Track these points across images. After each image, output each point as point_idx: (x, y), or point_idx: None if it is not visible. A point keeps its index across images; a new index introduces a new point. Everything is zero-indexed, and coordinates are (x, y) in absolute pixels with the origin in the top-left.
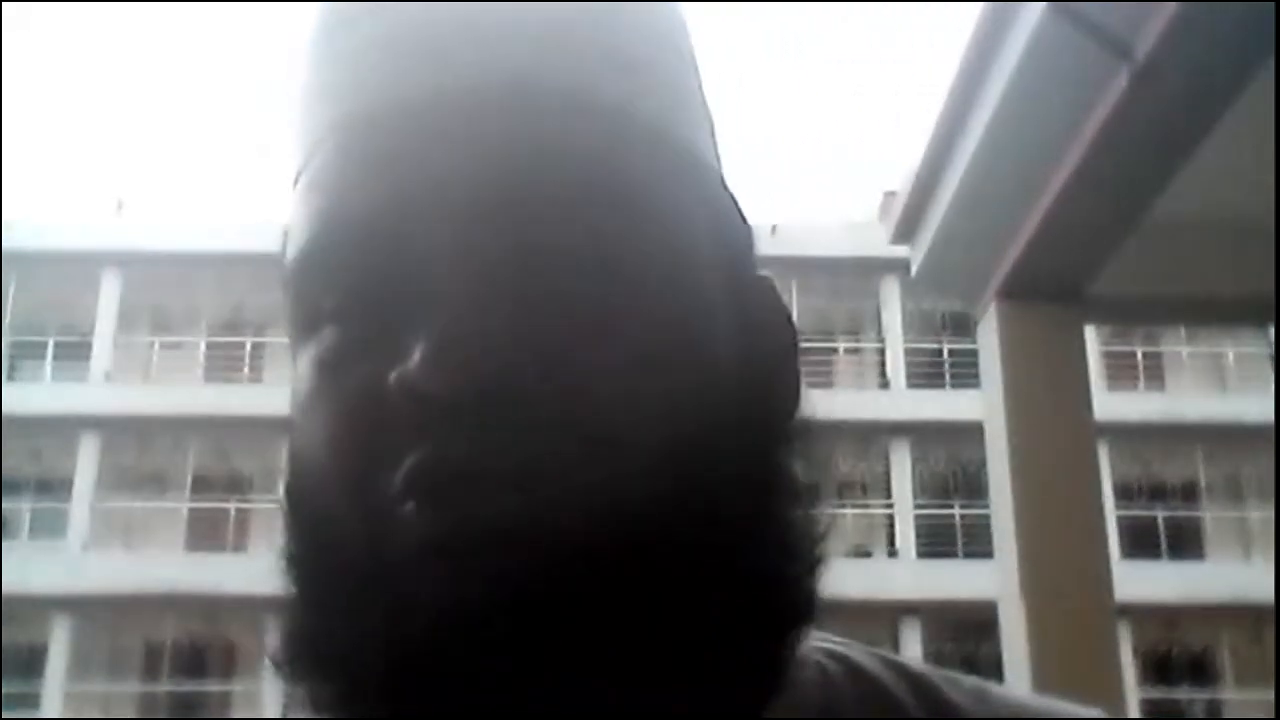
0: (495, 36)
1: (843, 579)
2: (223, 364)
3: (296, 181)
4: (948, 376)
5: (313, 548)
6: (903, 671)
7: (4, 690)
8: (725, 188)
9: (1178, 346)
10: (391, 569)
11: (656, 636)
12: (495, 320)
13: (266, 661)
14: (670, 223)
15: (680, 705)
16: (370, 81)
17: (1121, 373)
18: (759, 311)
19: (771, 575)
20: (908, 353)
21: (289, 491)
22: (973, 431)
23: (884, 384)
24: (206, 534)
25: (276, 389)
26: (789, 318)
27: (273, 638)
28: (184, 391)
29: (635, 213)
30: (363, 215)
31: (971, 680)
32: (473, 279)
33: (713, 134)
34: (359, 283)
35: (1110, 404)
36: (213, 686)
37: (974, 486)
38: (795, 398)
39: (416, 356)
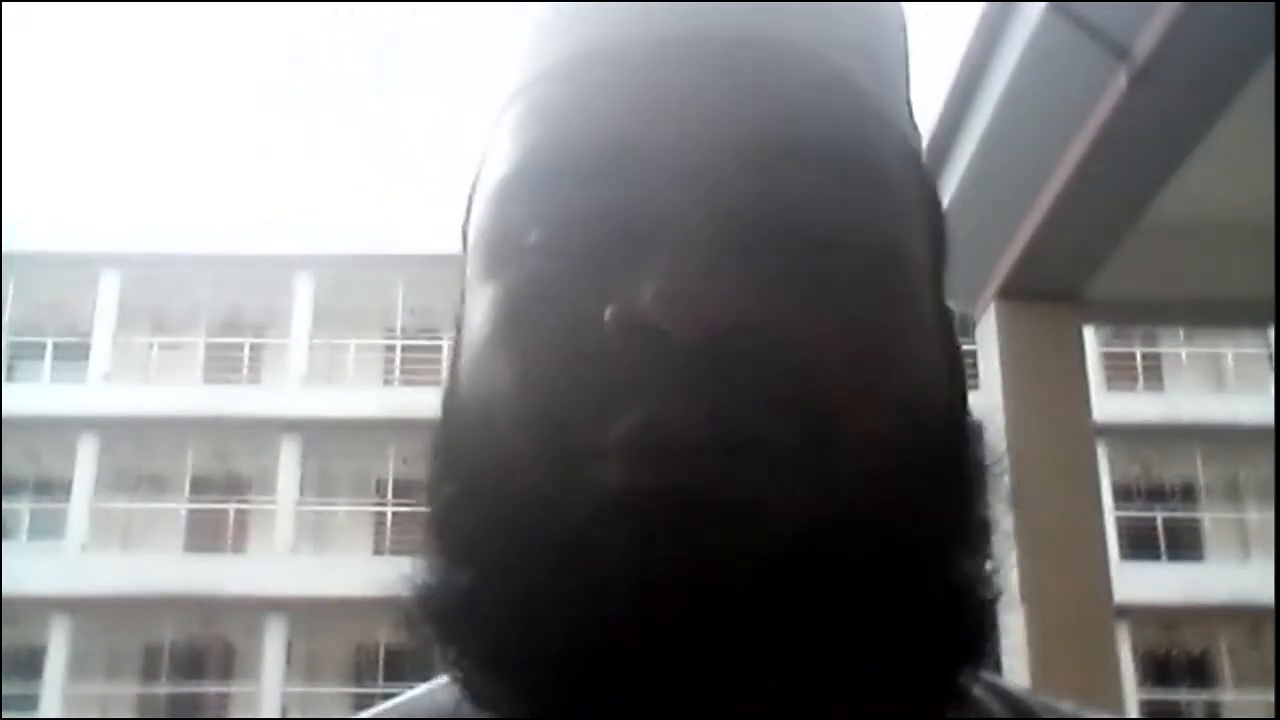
0: None
1: None
2: (222, 365)
3: (504, 111)
4: None
5: (483, 494)
6: (997, 689)
7: (3, 690)
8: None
9: (1177, 347)
10: (579, 530)
11: (842, 643)
12: (736, 270)
13: (267, 663)
14: (907, 218)
15: (858, 710)
16: (608, 18)
17: (1120, 373)
18: (952, 324)
19: (962, 602)
20: None
21: (449, 437)
22: None
23: None
24: (206, 535)
25: (276, 389)
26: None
27: (410, 590)
28: (183, 392)
29: (881, 197)
30: (595, 143)
31: (1068, 705)
32: (713, 224)
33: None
34: (580, 211)
35: (1109, 404)
36: (211, 687)
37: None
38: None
39: (648, 293)
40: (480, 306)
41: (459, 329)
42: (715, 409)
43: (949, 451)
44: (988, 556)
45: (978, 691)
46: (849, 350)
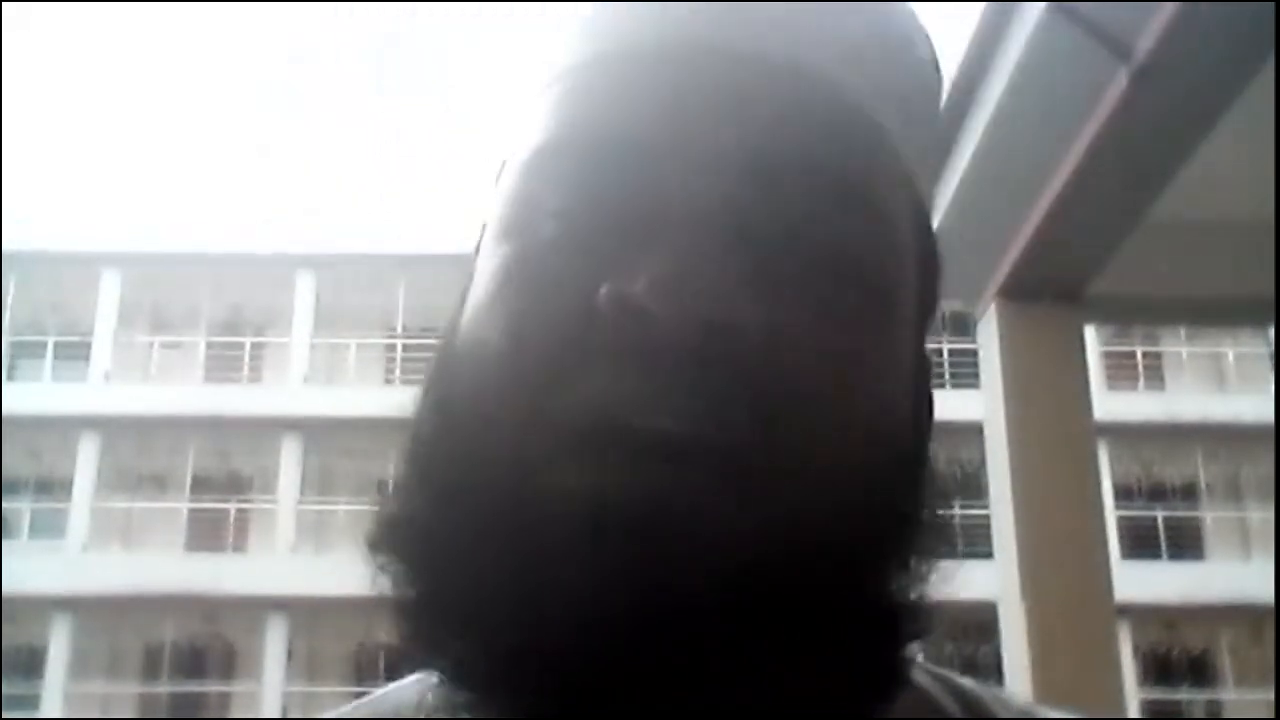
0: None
1: None
2: (222, 364)
3: (542, 93)
4: (947, 376)
5: (453, 461)
6: (951, 686)
7: (4, 690)
8: (927, 211)
9: (1178, 346)
10: (538, 525)
11: (793, 645)
12: (731, 270)
13: (267, 662)
14: (901, 256)
15: (802, 708)
16: (643, 21)
17: (1121, 373)
18: (928, 368)
19: (906, 595)
20: None
21: (433, 401)
22: (972, 431)
23: None
24: (206, 534)
25: (277, 389)
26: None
27: (384, 573)
28: (184, 391)
29: (881, 224)
30: (617, 132)
31: (1021, 701)
32: (714, 224)
33: (934, 147)
34: (596, 190)
35: (1110, 404)
36: (212, 687)
37: (973, 487)
38: (932, 420)
39: (644, 277)
40: (488, 266)
41: (464, 293)
42: (692, 401)
43: (907, 491)
44: (925, 551)
45: (932, 689)
46: (829, 371)
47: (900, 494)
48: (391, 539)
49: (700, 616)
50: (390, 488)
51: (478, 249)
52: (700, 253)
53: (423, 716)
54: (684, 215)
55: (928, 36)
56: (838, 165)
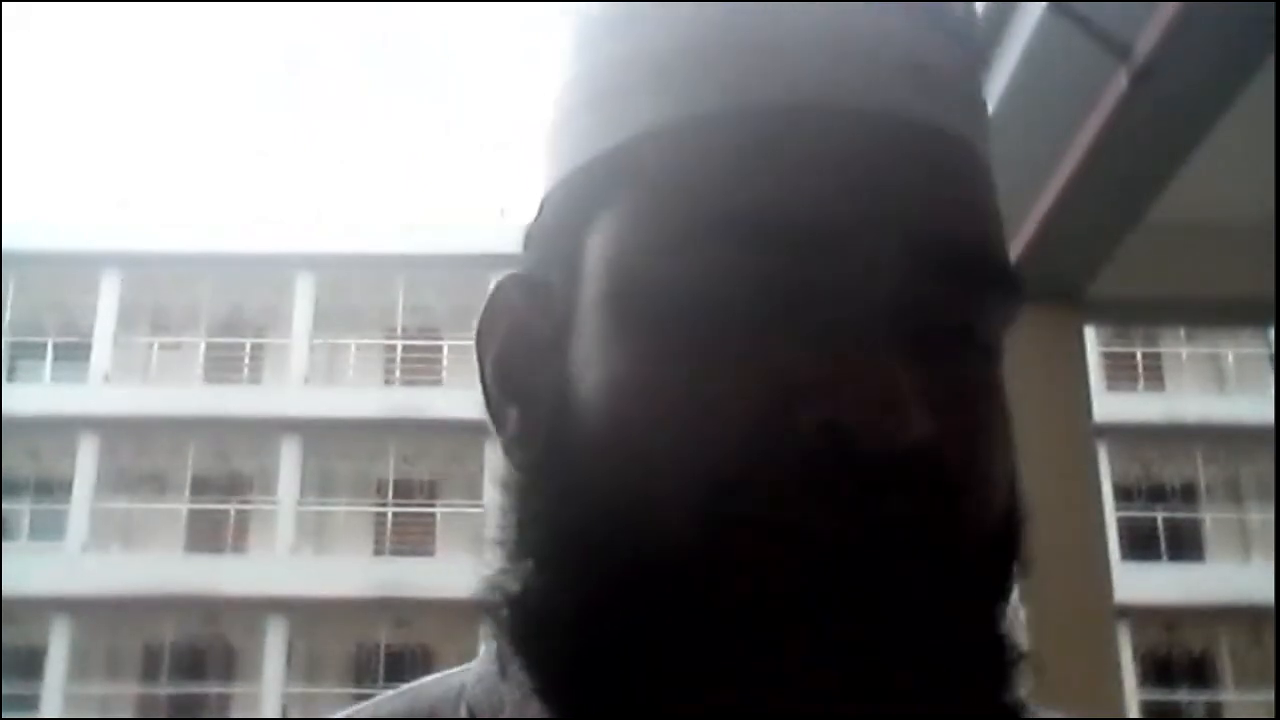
0: (867, 55)
1: None
2: (222, 365)
3: (640, 142)
4: None
5: (605, 533)
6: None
7: (4, 690)
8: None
9: (1177, 347)
10: (714, 615)
11: (932, 686)
12: (920, 381)
13: (268, 663)
14: (1013, 300)
15: None
16: (743, 74)
17: (1121, 373)
18: None
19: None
20: None
21: (553, 458)
22: None
23: None
24: (206, 535)
25: (276, 389)
26: None
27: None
28: (184, 392)
29: (1007, 301)
30: (794, 205)
31: (1055, 714)
32: (898, 324)
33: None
34: (767, 274)
35: (1110, 404)
36: (212, 688)
37: None
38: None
39: (848, 398)
40: (624, 344)
41: (528, 332)
42: (892, 517)
43: (1016, 534)
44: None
45: None
46: (994, 463)
47: (1018, 545)
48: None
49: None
50: (505, 568)
51: (526, 295)
52: (893, 363)
53: (463, 714)
54: (864, 312)
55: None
56: (994, 245)
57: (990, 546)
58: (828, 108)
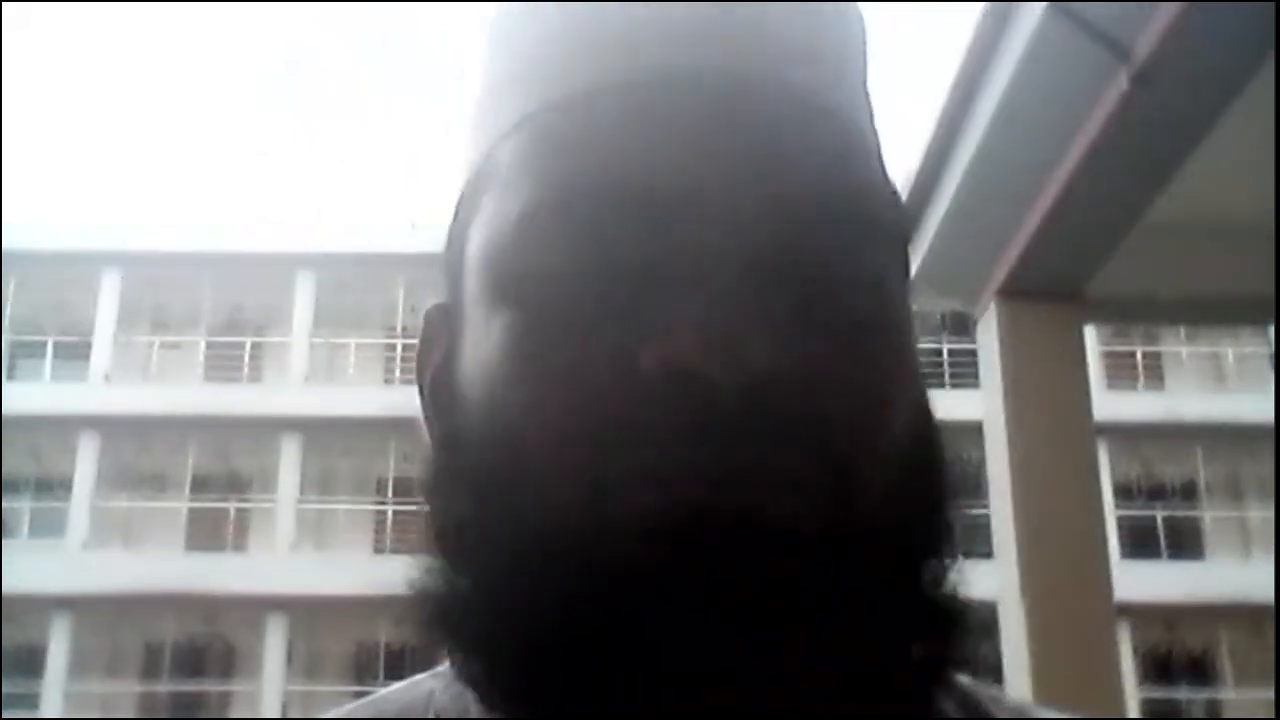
0: (702, 23)
1: None
2: (223, 363)
3: (505, 138)
4: (947, 376)
5: (508, 520)
6: (950, 688)
7: (4, 690)
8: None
9: (1178, 346)
10: (618, 549)
11: (848, 644)
12: (768, 316)
13: (267, 661)
14: (897, 259)
15: (853, 709)
16: (613, 52)
17: (1121, 372)
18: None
19: (945, 595)
20: None
21: (455, 458)
22: (972, 431)
23: None
24: (206, 534)
25: (277, 388)
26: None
27: (419, 608)
28: (184, 391)
29: (879, 242)
30: (629, 173)
31: (1017, 700)
32: (742, 269)
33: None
34: (608, 246)
35: (1110, 404)
36: (212, 686)
37: (973, 486)
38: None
39: (684, 336)
40: (492, 333)
41: (446, 350)
42: (760, 455)
43: (935, 469)
44: (956, 560)
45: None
46: (865, 393)
47: (936, 492)
48: (441, 619)
49: (779, 617)
50: (424, 568)
51: (444, 316)
52: (734, 302)
53: (431, 716)
54: (713, 264)
55: None
56: (849, 188)
57: (893, 495)
58: (672, 80)
